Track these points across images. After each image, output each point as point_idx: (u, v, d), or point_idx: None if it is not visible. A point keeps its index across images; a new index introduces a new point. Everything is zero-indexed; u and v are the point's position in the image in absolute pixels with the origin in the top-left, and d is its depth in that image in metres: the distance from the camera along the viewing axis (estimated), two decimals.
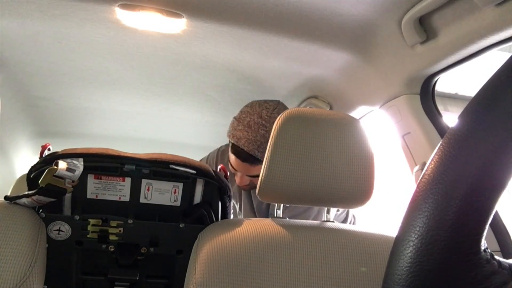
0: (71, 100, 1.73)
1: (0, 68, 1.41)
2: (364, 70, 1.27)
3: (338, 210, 1.43)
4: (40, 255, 0.78)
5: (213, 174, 0.89)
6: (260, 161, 1.23)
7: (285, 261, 0.77)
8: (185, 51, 1.30)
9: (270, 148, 0.82)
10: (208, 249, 0.77)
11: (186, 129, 2.04)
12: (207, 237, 0.80)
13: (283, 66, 1.38)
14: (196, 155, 1.53)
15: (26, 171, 0.86)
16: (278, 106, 1.28)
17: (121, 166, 0.84)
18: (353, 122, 0.87)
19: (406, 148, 1.23)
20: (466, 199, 0.28)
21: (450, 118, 1.50)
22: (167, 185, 0.89)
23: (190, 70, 1.45)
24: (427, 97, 1.19)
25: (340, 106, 1.51)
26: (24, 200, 0.81)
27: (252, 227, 0.82)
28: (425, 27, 1.02)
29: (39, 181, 0.78)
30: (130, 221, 0.86)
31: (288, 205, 1.13)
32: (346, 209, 1.47)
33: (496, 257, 0.30)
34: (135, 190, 0.88)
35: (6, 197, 0.83)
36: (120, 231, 0.87)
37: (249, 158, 1.22)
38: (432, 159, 0.30)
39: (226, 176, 0.93)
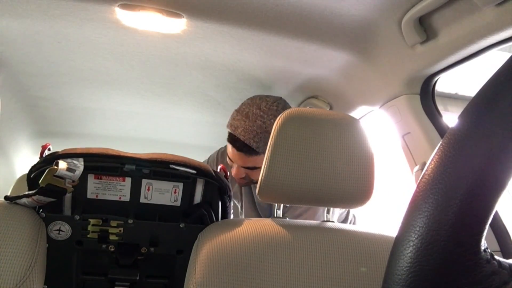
0: (71, 100, 1.73)
1: (0, 68, 1.41)
2: (364, 70, 1.27)
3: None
4: (40, 255, 0.78)
5: (213, 174, 0.89)
6: (256, 152, 1.23)
7: (285, 261, 0.77)
8: (185, 51, 1.30)
9: (270, 148, 0.82)
10: (208, 249, 0.77)
11: (186, 129, 2.04)
12: (207, 237, 0.80)
13: (283, 66, 1.38)
14: (196, 155, 1.53)
15: (26, 171, 0.86)
16: (278, 100, 1.28)
17: (121, 166, 0.85)
18: (353, 122, 0.87)
19: (406, 148, 1.23)
20: (466, 199, 0.28)
21: (450, 118, 1.50)
22: (167, 185, 0.89)
23: (190, 70, 1.45)
24: (427, 97, 1.19)
25: (340, 106, 1.51)
26: (24, 200, 0.81)
27: (252, 227, 0.82)
28: (425, 27, 1.02)
29: (39, 181, 0.78)
30: (130, 221, 0.87)
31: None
32: (347, 209, 1.47)
33: (496, 257, 0.30)
34: (135, 190, 0.88)
35: (6, 197, 0.83)
36: (120, 231, 0.87)
37: (244, 147, 1.23)
38: (432, 159, 0.30)
39: (226, 176, 0.93)
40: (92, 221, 0.86)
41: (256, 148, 1.22)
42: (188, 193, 0.91)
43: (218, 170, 0.94)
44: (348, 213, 1.48)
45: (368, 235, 0.85)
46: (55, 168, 0.77)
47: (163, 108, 1.81)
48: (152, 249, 0.90)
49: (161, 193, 0.90)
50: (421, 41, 1.03)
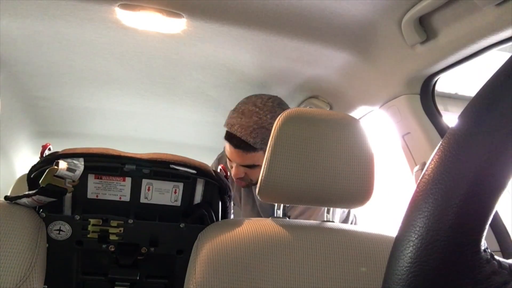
0: (71, 100, 1.73)
1: (0, 68, 1.41)
2: (364, 70, 1.27)
3: None
4: (40, 255, 0.78)
5: (214, 174, 0.89)
6: (253, 149, 1.23)
7: (285, 261, 0.77)
8: (185, 51, 1.30)
9: (270, 148, 0.82)
10: (208, 249, 0.77)
11: (186, 129, 2.04)
12: (207, 237, 0.80)
13: (283, 66, 1.38)
14: (196, 155, 1.52)
15: (26, 171, 0.86)
16: (273, 97, 1.29)
17: (121, 166, 0.85)
18: (353, 122, 0.87)
19: (406, 148, 1.23)
20: (466, 199, 0.28)
21: (450, 118, 1.50)
22: (167, 185, 0.89)
23: (190, 70, 1.45)
24: (427, 97, 1.19)
25: (340, 106, 1.51)
26: (24, 200, 0.81)
27: (252, 227, 0.82)
28: (425, 27, 1.02)
29: (40, 181, 0.78)
30: (130, 221, 0.87)
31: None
32: (347, 209, 1.47)
33: (496, 257, 0.30)
34: (136, 190, 0.88)
35: (6, 197, 0.83)
36: (120, 231, 0.87)
37: (242, 144, 1.22)
38: (432, 159, 0.30)
39: (226, 176, 0.93)
40: (92, 221, 0.86)
41: (253, 144, 1.21)
42: (188, 193, 0.91)
43: (218, 170, 0.95)
44: (349, 213, 1.48)
45: (368, 235, 0.85)
46: (55, 168, 0.77)
47: (163, 108, 1.81)
48: (152, 249, 0.90)
49: (161, 193, 0.90)
50: (421, 41, 1.03)
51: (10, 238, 0.75)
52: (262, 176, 0.83)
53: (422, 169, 1.12)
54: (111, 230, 0.87)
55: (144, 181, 0.88)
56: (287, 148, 0.82)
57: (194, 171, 0.86)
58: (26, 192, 0.82)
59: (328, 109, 1.55)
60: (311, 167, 0.82)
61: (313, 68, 1.38)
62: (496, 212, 1.04)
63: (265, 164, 0.82)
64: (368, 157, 0.86)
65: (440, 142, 0.30)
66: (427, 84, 1.18)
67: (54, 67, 1.44)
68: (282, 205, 0.91)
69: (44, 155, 0.84)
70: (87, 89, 1.62)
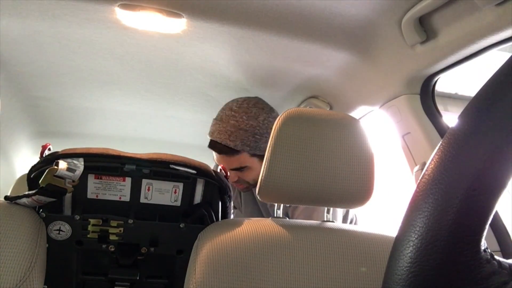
0: (71, 100, 1.73)
1: (0, 68, 1.41)
2: (364, 70, 1.27)
3: None
4: (40, 255, 0.78)
5: (213, 174, 0.89)
6: (235, 151, 1.26)
7: (285, 261, 0.77)
8: (185, 51, 1.30)
9: (270, 148, 0.82)
10: (208, 249, 0.77)
11: (186, 129, 2.04)
12: (207, 237, 0.80)
13: (283, 66, 1.38)
14: (196, 155, 1.52)
15: (26, 171, 0.86)
16: (248, 99, 1.31)
17: (121, 166, 0.85)
18: (353, 122, 0.87)
19: (406, 148, 1.23)
20: (466, 199, 0.28)
21: (450, 118, 1.50)
22: (167, 185, 0.89)
23: (190, 70, 1.45)
24: (427, 97, 1.19)
25: (340, 106, 1.51)
26: (24, 200, 0.81)
27: (252, 227, 0.82)
28: (425, 27, 1.02)
29: (40, 181, 0.78)
30: (130, 221, 0.87)
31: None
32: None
33: (496, 257, 0.30)
34: (136, 190, 0.88)
35: (6, 197, 0.83)
36: (120, 231, 0.87)
37: (223, 148, 1.27)
38: (432, 159, 0.30)
39: (226, 176, 0.93)
40: (92, 221, 0.86)
41: (234, 146, 1.25)
42: (188, 193, 0.91)
43: (218, 170, 0.95)
44: (347, 211, 1.48)
45: (368, 235, 0.85)
46: (55, 168, 0.77)
47: (163, 108, 1.81)
48: (152, 249, 0.90)
49: (161, 193, 0.90)
50: (421, 41, 1.03)
51: (10, 238, 0.75)
52: (262, 176, 0.83)
53: (422, 169, 1.12)
54: (111, 230, 0.87)
55: (144, 181, 0.88)
56: (287, 148, 0.82)
57: (194, 171, 0.86)
58: (26, 192, 0.82)
59: (328, 109, 1.55)
60: (311, 167, 0.82)
61: (313, 68, 1.38)
62: (496, 212, 1.04)
63: (265, 164, 0.82)
64: (368, 157, 0.85)
65: (440, 142, 0.30)
66: (427, 84, 1.18)
67: (54, 67, 1.44)
68: (282, 205, 0.91)
69: (44, 155, 0.84)
70: (87, 89, 1.62)
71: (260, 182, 0.83)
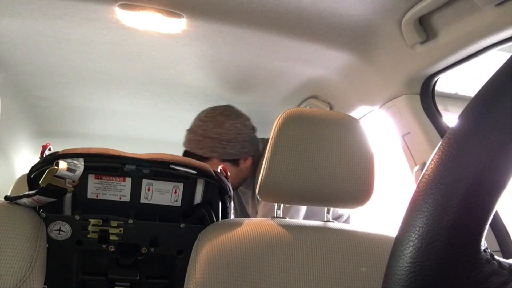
0: (71, 100, 1.73)
1: (0, 68, 1.41)
2: (364, 70, 1.27)
3: None
4: (40, 255, 0.78)
5: (214, 174, 0.89)
6: (205, 158, 1.32)
7: (285, 261, 0.77)
8: (185, 51, 1.30)
9: (270, 148, 0.82)
10: (208, 249, 0.77)
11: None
12: (207, 237, 0.80)
13: (283, 66, 1.38)
14: None
15: (26, 171, 0.86)
16: (216, 108, 1.38)
17: (121, 166, 0.85)
18: (353, 122, 0.87)
19: (406, 148, 1.23)
20: (466, 199, 0.28)
21: (450, 118, 1.50)
22: (167, 185, 0.89)
23: (190, 70, 1.45)
24: (427, 97, 1.19)
25: (340, 106, 1.51)
26: (24, 200, 0.81)
27: (252, 227, 0.82)
28: (425, 27, 1.02)
29: (40, 181, 0.78)
30: (130, 221, 0.86)
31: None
32: None
33: (496, 257, 0.30)
34: (136, 190, 0.88)
35: (6, 197, 0.83)
36: (120, 231, 0.87)
37: (194, 157, 1.29)
38: (432, 159, 0.30)
39: (226, 176, 0.93)
40: (92, 221, 0.86)
41: (202, 154, 1.32)
42: (188, 194, 0.91)
43: (218, 170, 0.95)
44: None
45: (368, 235, 0.85)
46: (55, 168, 0.77)
47: (163, 108, 1.81)
48: (152, 249, 0.90)
49: (161, 193, 0.90)
50: (421, 41, 1.03)
51: (10, 238, 0.75)
52: (262, 176, 0.83)
53: (422, 169, 1.12)
54: (111, 230, 0.87)
55: (144, 181, 0.88)
56: (287, 148, 0.82)
57: (194, 172, 0.86)
58: (26, 192, 0.82)
59: (328, 109, 1.55)
60: (311, 167, 0.82)
61: (313, 68, 1.38)
62: (496, 212, 1.04)
63: (265, 164, 0.82)
64: (368, 157, 0.85)
65: (440, 142, 0.30)
66: (427, 84, 1.18)
67: (54, 67, 1.44)
68: (282, 205, 0.91)
69: (44, 155, 0.84)
70: (87, 89, 1.62)
71: (260, 182, 0.83)
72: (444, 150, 0.30)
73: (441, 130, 1.16)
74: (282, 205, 0.91)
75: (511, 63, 0.29)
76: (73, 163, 0.80)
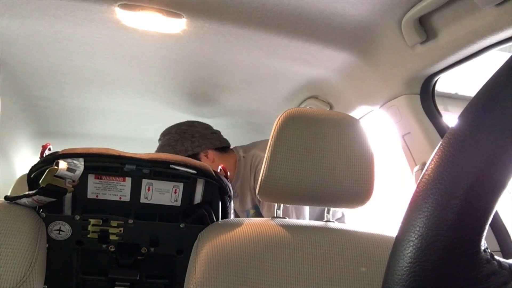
0: (71, 100, 1.72)
1: (0, 68, 1.41)
2: (364, 70, 1.27)
3: None
4: (40, 255, 0.78)
5: (214, 174, 0.89)
6: None
7: (285, 261, 0.77)
8: (185, 51, 1.30)
9: (270, 148, 0.82)
10: (208, 249, 0.77)
11: None
12: (207, 237, 0.80)
13: (283, 66, 1.38)
14: None
15: (26, 171, 0.86)
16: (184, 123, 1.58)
17: (121, 166, 0.85)
18: (353, 122, 0.87)
19: (406, 148, 1.23)
20: (466, 199, 0.28)
21: (450, 118, 1.50)
22: (167, 185, 0.89)
23: (190, 70, 1.45)
24: (427, 97, 1.19)
25: (340, 106, 1.51)
26: (24, 200, 0.81)
27: (252, 227, 0.82)
28: (425, 27, 1.02)
29: (40, 181, 0.78)
30: (130, 221, 0.86)
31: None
32: None
33: (496, 257, 0.30)
34: (136, 190, 0.88)
35: (6, 197, 0.83)
36: (120, 231, 0.87)
37: None
38: (432, 159, 0.30)
39: (226, 176, 0.93)
40: (92, 221, 0.86)
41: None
42: (188, 193, 0.91)
43: (218, 170, 0.95)
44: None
45: (368, 235, 0.85)
46: (55, 168, 0.77)
47: (163, 108, 1.81)
48: (152, 249, 0.90)
49: (161, 193, 0.90)
50: (421, 41, 1.03)
51: (10, 238, 0.75)
52: (262, 176, 0.83)
53: (422, 169, 1.12)
54: (111, 230, 0.87)
55: (144, 181, 0.88)
56: (287, 148, 0.82)
57: (194, 171, 0.86)
58: (26, 192, 0.82)
59: (328, 109, 1.55)
60: (311, 167, 0.82)
61: (313, 68, 1.38)
62: (496, 212, 1.04)
63: (265, 164, 0.82)
64: (368, 157, 0.85)
65: (440, 142, 0.30)
66: (427, 84, 1.18)
67: (54, 67, 1.44)
68: (281, 205, 0.91)
69: (44, 155, 0.84)
70: (87, 89, 1.62)
71: (260, 182, 0.83)
72: (444, 150, 0.30)
73: (441, 130, 1.16)
74: (282, 205, 0.91)
75: (511, 63, 0.29)
76: (73, 163, 0.80)
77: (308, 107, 1.61)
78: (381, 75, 1.23)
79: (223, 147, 1.58)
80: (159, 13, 1.07)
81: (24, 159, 2.03)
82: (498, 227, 1.07)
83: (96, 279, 0.92)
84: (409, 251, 0.29)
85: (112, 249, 0.89)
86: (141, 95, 1.68)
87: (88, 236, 0.87)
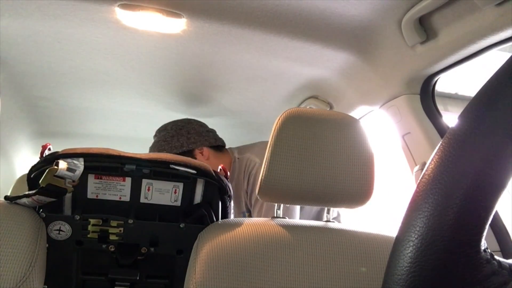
0: (71, 100, 1.72)
1: (0, 68, 1.41)
2: (364, 70, 1.27)
3: None
4: (40, 255, 0.78)
5: (213, 174, 0.89)
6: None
7: (285, 261, 0.77)
8: (185, 51, 1.30)
9: (270, 148, 0.82)
10: (208, 249, 0.77)
11: None
12: (207, 237, 0.80)
13: (283, 66, 1.38)
14: None
15: (26, 171, 0.86)
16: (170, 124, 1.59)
17: (121, 166, 0.85)
18: (353, 122, 0.87)
19: (406, 148, 1.23)
20: (466, 199, 0.28)
21: (450, 118, 1.50)
22: (167, 185, 0.89)
23: (190, 70, 1.45)
24: (427, 97, 1.19)
25: (340, 106, 1.51)
26: (24, 200, 0.81)
27: (252, 227, 0.82)
28: (425, 27, 1.02)
29: (40, 181, 0.78)
30: (130, 221, 0.86)
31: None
32: None
33: (496, 257, 0.30)
34: (136, 190, 0.88)
35: (6, 197, 0.83)
36: (120, 231, 0.87)
37: None
38: (432, 159, 0.30)
39: (226, 176, 0.93)
40: (92, 221, 0.86)
41: None
42: (188, 193, 0.91)
43: (218, 170, 0.95)
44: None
45: (368, 235, 0.85)
46: (55, 168, 0.77)
47: (163, 108, 1.81)
48: (152, 249, 0.90)
49: (161, 193, 0.90)
50: (421, 41, 1.03)
51: (10, 238, 0.75)
52: (262, 176, 0.83)
53: (422, 169, 1.12)
54: (111, 230, 0.87)
55: (144, 181, 0.88)
56: (287, 148, 0.82)
57: (194, 171, 0.86)
58: (26, 192, 0.82)
59: (328, 109, 1.55)
60: (311, 167, 0.82)
61: (313, 68, 1.38)
62: (496, 212, 1.04)
63: (265, 164, 0.82)
64: (368, 157, 0.85)
65: (440, 142, 0.30)
66: (427, 84, 1.18)
67: (54, 67, 1.44)
68: (281, 205, 0.91)
69: (44, 155, 0.84)
70: (87, 89, 1.62)
71: (260, 182, 0.83)
72: (444, 150, 0.30)
73: (441, 130, 1.16)
74: (282, 205, 0.91)
75: (511, 63, 0.29)
76: (73, 163, 0.80)
77: (308, 107, 1.61)
78: (381, 75, 1.23)
79: (218, 146, 1.58)
80: (159, 13, 1.07)
81: (24, 159, 2.03)
82: (498, 227, 1.07)
83: (96, 279, 0.92)
84: (409, 251, 0.29)
85: (112, 249, 0.89)
86: (141, 95, 1.68)
87: (88, 236, 0.87)
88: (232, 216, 0.98)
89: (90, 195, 0.87)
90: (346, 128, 0.86)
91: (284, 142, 0.82)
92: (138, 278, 0.90)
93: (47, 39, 1.24)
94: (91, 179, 0.86)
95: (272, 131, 0.84)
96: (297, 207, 1.40)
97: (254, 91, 1.60)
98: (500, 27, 0.85)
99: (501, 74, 0.30)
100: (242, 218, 0.87)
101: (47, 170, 0.77)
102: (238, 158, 1.55)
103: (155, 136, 1.60)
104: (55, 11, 1.08)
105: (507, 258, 0.31)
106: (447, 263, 0.28)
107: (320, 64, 1.33)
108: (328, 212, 0.93)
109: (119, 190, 0.88)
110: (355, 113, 1.45)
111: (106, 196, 0.88)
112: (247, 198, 1.52)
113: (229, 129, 1.98)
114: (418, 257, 0.28)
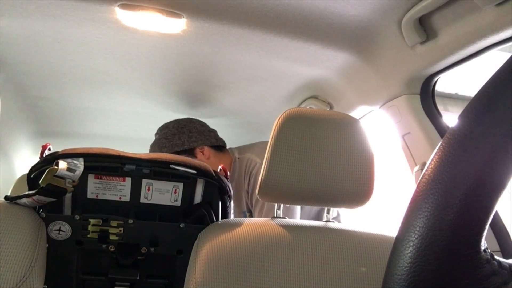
0: (71, 100, 1.72)
1: (0, 68, 1.41)
2: (364, 70, 1.27)
3: None
4: (40, 255, 0.78)
5: (213, 174, 0.89)
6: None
7: (285, 261, 0.77)
8: (185, 51, 1.30)
9: (270, 148, 0.82)
10: (208, 249, 0.77)
11: None
12: (207, 237, 0.80)
13: (283, 66, 1.38)
14: None
15: (26, 171, 0.86)
16: (167, 123, 1.60)
17: (121, 166, 0.85)
18: (353, 122, 0.87)
19: (406, 148, 1.23)
20: (466, 199, 0.28)
21: (450, 118, 1.50)
22: (167, 185, 0.89)
23: (190, 70, 1.45)
24: (427, 97, 1.19)
25: (340, 106, 1.51)
26: (24, 200, 0.81)
27: (252, 227, 0.82)
28: (425, 27, 1.02)
29: (40, 181, 0.78)
30: (130, 221, 0.86)
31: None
32: None
33: (496, 257, 0.30)
34: (136, 190, 0.88)
35: (6, 197, 0.83)
36: (120, 231, 0.87)
37: None
38: (432, 159, 0.30)
39: (226, 176, 0.93)
40: (92, 221, 0.86)
41: None
42: (188, 193, 0.91)
43: (218, 170, 0.95)
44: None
45: (368, 235, 0.85)
46: (55, 168, 0.77)
47: (163, 108, 1.81)
48: (152, 249, 0.90)
49: (161, 193, 0.90)
50: (421, 41, 1.03)
51: (10, 238, 0.75)
52: (262, 176, 0.83)
53: (422, 169, 1.12)
54: (111, 230, 0.87)
55: (144, 181, 0.88)
56: (287, 148, 0.82)
57: (194, 171, 0.86)
58: (26, 192, 0.82)
59: (328, 109, 1.55)
60: (311, 167, 0.82)
61: (313, 68, 1.38)
62: (496, 212, 1.04)
63: (265, 164, 0.82)
64: (368, 157, 0.85)
65: (440, 142, 0.30)
66: (427, 84, 1.18)
67: (54, 67, 1.44)
68: (281, 205, 0.91)
69: (44, 155, 0.84)
70: (87, 89, 1.62)
71: (260, 182, 0.83)
72: (444, 150, 0.30)
73: (441, 130, 1.16)
74: (282, 205, 0.91)
75: (511, 63, 0.29)
76: (73, 163, 0.80)
77: (308, 107, 1.61)
78: (381, 75, 1.23)
79: (219, 146, 1.58)
80: (159, 13, 1.07)
81: (24, 159, 2.03)
82: (498, 227, 1.07)
83: (96, 279, 0.92)
84: (409, 251, 0.29)
85: (112, 249, 0.89)
86: (141, 95, 1.68)
87: (88, 236, 0.87)
88: (232, 216, 0.98)
89: (90, 195, 0.87)
90: (346, 128, 0.86)
91: (284, 142, 0.82)
92: (138, 278, 0.90)
93: (47, 39, 1.24)
94: (91, 179, 0.86)
95: (272, 131, 0.84)
96: (298, 207, 1.40)
97: (254, 91, 1.60)
98: (500, 27, 0.85)
99: (501, 74, 0.30)
100: (242, 218, 0.87)
101: (47, 170, 0.77)
102: (238, 158, 1.56)
103: (156, 134, 1.60)
104: (55, 11, 1.08)
105: (507, 258, 0.31)
106: (447, 263, 0.28)
107: (320, 64, 1.33)
108: (328, 212, 0.93)
109: (119, 190, 0.88)
110: (355, 113, 1.45)
111: (106, 196, 0.88)
112: (248, 198, 1.52)
113: (229, 129, 1.98)
114: (418, 257, 0.28)
